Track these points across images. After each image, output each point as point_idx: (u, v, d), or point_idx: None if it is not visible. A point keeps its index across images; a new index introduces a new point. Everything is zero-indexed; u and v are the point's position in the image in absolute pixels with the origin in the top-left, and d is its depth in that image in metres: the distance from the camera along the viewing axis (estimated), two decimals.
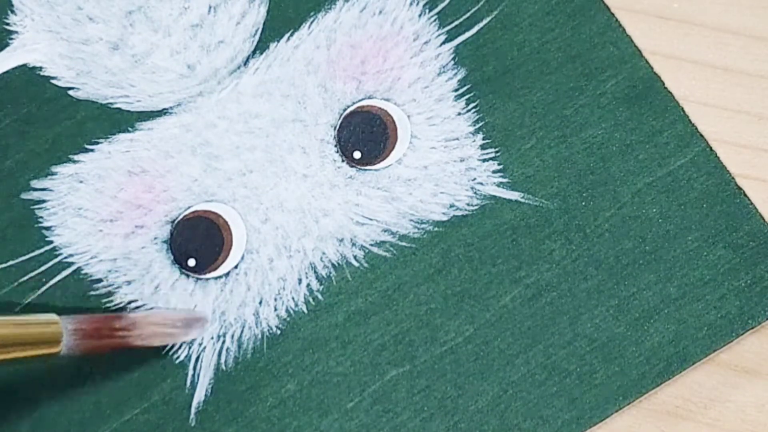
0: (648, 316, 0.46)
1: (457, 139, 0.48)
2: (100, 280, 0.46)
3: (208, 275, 0.47)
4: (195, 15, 0.49)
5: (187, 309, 0.46)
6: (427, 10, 0.49)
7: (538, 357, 0.45)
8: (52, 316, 0.42)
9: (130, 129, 0.48)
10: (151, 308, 0.46)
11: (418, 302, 0.46)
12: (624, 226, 0.47)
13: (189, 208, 0.47)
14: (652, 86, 0.48)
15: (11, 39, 0.49)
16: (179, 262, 0.47)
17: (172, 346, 0.46)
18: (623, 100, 0.48)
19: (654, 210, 0.47)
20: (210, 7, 0.49)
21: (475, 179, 0.47)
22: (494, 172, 0.47)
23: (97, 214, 0.47)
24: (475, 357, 0.45)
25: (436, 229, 0.47)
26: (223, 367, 0.46)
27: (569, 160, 0.47)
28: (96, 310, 0.46)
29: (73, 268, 0.46)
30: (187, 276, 0.47)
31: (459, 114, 0.48)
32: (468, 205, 0.47)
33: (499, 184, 0.47)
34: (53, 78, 0.49)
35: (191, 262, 0.47)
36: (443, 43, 0.49)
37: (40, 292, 0.46)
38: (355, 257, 0.47)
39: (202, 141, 0.48)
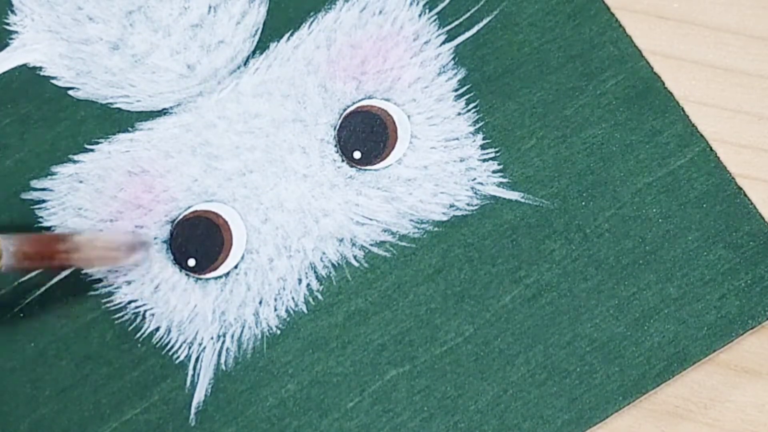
0: (648, 316, 0.46)
1: (457, 139, 0.48)
2: (100, 280, 0.46)
3: (208, 275, 0.47)
4: (195, 15, 0.49)
5: (131, 233, 0.46)
6: (427, 10, 0.49)
7: (538, 357, 0.45)
8: None
9: (130, 129, 0.48)
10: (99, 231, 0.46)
11: (418, 302, 0.46)
12: (624, 226, 0.47)
13: (189, 208, 0.47)
14: (652, 86, 0.48)
15: (11, 39, 0.49)
16: (179, 262, 0.47)
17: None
18: (623, 100, 0.48)
19: (654, 210, 0.47)
20: (210, 7, 0.49)
21: (475, 179, 0.47)
22: (494, 172, 0.47)
23: (97, 214, 0.47)
24: (475, 357, 0.45)
25: (436, 229, 0.47)
26: (223, 367, 0.46)
27: (569, 160, 0.47)
28: (96, 309, 0.46)
29: (73, 268, 0.46)
30: (187, 276, 0.47)
31: (459, 114, 0.48)
32: (468, 205, 0.47)
33: (499, 184, 0.47)
34: (53, 78, 0.48)
35: (191, 262, 0.47)
36: (443, 43, 0.49)
37: (40, 292, 0.46)
38: (355, 257, 0.47)
39: (202, 141, 0.48)
